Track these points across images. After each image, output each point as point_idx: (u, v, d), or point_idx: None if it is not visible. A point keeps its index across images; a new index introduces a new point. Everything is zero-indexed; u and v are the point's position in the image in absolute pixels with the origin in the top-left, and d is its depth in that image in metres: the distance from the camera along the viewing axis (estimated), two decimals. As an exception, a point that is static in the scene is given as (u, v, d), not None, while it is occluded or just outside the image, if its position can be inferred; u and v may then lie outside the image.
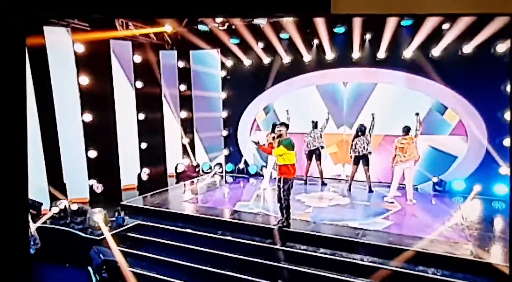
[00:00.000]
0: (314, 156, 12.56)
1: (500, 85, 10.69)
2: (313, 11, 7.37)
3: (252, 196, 11.79)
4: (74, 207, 9.86)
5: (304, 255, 8.06)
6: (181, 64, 14.80)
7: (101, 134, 11.74)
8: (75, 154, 11.22)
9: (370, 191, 11.63)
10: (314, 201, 10.87)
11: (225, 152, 15.44)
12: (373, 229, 8.63)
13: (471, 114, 11.42)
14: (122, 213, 10.03)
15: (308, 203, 10.62)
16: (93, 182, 11.58)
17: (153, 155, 13.75)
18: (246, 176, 14.69)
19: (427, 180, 11.96)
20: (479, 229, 8.71)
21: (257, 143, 9.45)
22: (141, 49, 12.99)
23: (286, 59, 13.49)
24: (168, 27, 12.20)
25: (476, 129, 11.43)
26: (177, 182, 14.13)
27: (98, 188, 11.54)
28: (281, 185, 8.75)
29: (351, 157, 11.87)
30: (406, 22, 11.22)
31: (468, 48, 10.93)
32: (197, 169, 15.22)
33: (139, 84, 13.12)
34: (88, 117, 11.31)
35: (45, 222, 9.38)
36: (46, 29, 10.05)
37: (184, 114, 15.15)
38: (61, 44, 10.55)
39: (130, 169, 12.83)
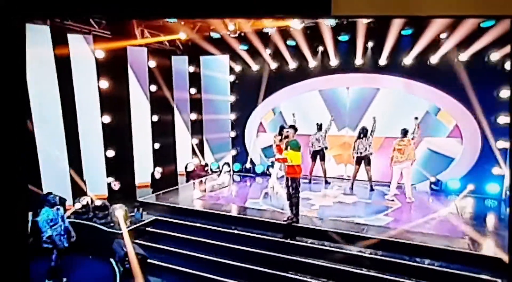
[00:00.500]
0: (318, 156, 12.79)
1: (493, 91, 10.94)
2: (314, 12, 7.57)
3: (261, 194, 12.06)
4: (98, 202, 10.19)
5: (313, 248, 8.29)
6: (192, 69, 15.08)
7: (118, 135, 12.09)
8: (94, 153, 11.55)
9: (372, 189, 11.88)
10: (319, 199, 11.07)
11: (233, 152, 15.72)
12: (376, 224, 8.89)
13: (466, 118, 11.64)
14: (141, 209, 10.37)
15: (313, 201, 10.84)
16: (111, 179, 11.94)
17: (165, 155, 14.07)
18: (253, 175, 14.96)
19: (424, 179, 12.20)
20: (474, 224, 8.91)
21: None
22: (155, 55, 13.29)
23: (292, 65, 13.74)
24: (182, 34, 12.53)
25: (471, 132, 11.67)
26: (187, 181, 14.39)
27: (116, 185, 11.89)
28: (289, 184, 9.00)
29: (353, 157, 12.10)
30: (406, 31, 11.44)
31: (464, 57, 11.19)
32: (205, 168, 15.47)
33: (153, 88, 13.42)
34: (106, 119, 11.66)
35: (69, 217, 9.68)
36: (70, 36, 10.42)
37: (194, 116, 15.44)
38: (83, 51, 10.89)
39: (143, 168, 13.15)
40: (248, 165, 15.34)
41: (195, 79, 15.32)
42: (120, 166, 12.19)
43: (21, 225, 4.79)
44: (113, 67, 11.59)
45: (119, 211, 9.67)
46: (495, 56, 10.72)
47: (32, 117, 9.64)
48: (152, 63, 13.23)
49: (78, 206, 10.00)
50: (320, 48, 13.15)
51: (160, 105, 13.72)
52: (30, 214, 7.64)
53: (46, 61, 9.87)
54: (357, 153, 11.89)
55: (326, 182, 12.95)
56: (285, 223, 9.03)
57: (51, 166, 10.23)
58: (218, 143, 15.89)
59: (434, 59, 11.64)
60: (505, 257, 6.94)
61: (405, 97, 12.49)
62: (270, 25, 11.78)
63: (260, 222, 9.47)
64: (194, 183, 14.06)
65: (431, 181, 12.11)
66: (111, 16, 9.45)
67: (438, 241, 7.86)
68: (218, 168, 15.52)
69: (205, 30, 12.82)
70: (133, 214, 10.17)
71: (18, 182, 4.67)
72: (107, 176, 11.87)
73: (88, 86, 11.19)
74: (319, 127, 12.79)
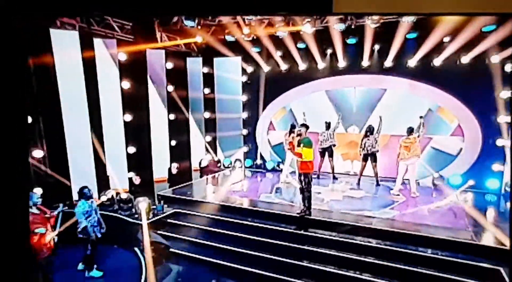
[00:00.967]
0: (326, 153, 13.07)
1: (494, 92, 11.12)
2: (316, 10, 7.72)
3: (273, 188, 12.33)
4: (124, 195, 10.53)
5: (324, 239, 8.54)
6: (206, 69, 15.35)
7: (138, 133, 12.41)
8: (117, 150, 11.87)
9: (378, 184, 12.12)
10: (328, 194, 11.33)
11: (245, 148, 16.06)
12: (383, 217, 9.15)
13: (468, 117, 11.91)
14: (162, 202, 10.71)
15: (323, 195, 11.09)
16: (132, 174, 12.27)
17: (181, 151, 14.37)
18: (263, 171, 15.25)
19: (428, 175, 12.43)
20: (476, 217, 9.10)
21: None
22: (172, 57, 13.59)
23: (302, 66, 14.02)
24: (199, 37, 12.84)
25: (472, 131, 11.93)
26: (201, 176, 14.67)
27: (137, 179, 12.21)
28: (302, 179, 9.28)
29: (360, 154, 12.36)
30: (411, 35, 11.62)
31: (466, 59, 11.40)
32: (218, 164, 15.77)
33: (170, 88, 13.71)
34: (128, 117, 11.98)
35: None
36: (95, 41, 10.76)
37: (207, 115, 15.73)
38: (107, 54, 11.24)
39: (160, 164, 13.47)
40: (259, 161, 15.65)
41: (208, 80, 15.58)
42: (140, 161, 12.50)
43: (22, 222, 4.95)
44: (134, 69, 11.86)
45: (142, 203, 9.99)
46: (495, 58, 10.92)
47: (62, 116, 10.00)
48: (170, 65, 13.51)
49: (103, 198, 10.30)
50: (329, 51, 13.41)
51: (176, 104, 13.97)
52: (61, 205, 7.93)
53: (74, 63, 10.20)
54: (364, 150, 12.14)
55: (334, 178, 13.20)
56: (298, 215, 9.31)
57: (78, 161, 10.58)
58: (230, 140, 16.20)
59: (437, 61, 11.86)
60: (505, 248, 7.26)
61: (410, 98, 12.72)
62: (282, 29, 11.99)
63: (274, 214, 9.73)
64: (207, 178, 14.32)
65: (434, 177, 12.31)
66: (111, 15, 9.72)
67: (442, 232, 8.09)
68: (231, 163, 15.84)
69: (220, 33, 13.07)
70: (154, 206, 10.47)
71: (19, 182, 4.84)
72: (128, 171, 12.16)
73: (112, 87, 11.48)
74: (328, 125, 13.05)
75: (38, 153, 9.83)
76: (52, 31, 9.49)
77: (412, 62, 12.26)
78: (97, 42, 11.11)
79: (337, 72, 13.70)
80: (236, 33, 12.16)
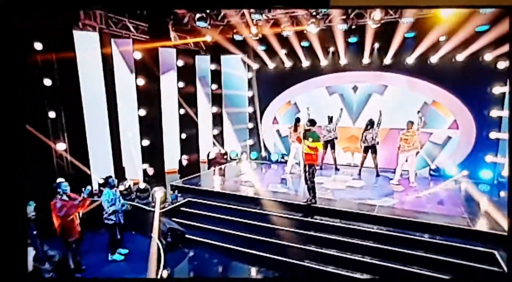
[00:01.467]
0: (329, 145, 13.34)
1: (487, 88, 11.49)
2: (312, 3, 7.79)
3: (279, 179, 12.63)
4: (142, 185, 10.82)
5: (329, 225, 8.82)
6: (213, 66, 15.58)
7: (152, 126, 12.70)
8: (132, 143, 12.16)
9: (378, 175, 12.36)
10: (331, 183, 11.56)
11: (250, 141, 16.35)
12: (384, 205, 9.40)
13: (462, 111, 12.18)
14: (176, 191, 11.00)
15: (326, 185, 11.32)
16: (146, 166, 12.55)
17: (190, 144, 14.67)
18: (268, 162, 15.54)
19: (425, 166, 12.72)
20: (470, 205, 9.44)
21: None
22: (182, 55, 13.86)
23: (306, 63, 14.29)
24: (208, 37, 13.10)
25: (467, 124, 12.19)
26: (208, 168, 14.91)
27: (151, 171, 12.51)
28: (307, 170, 9.53)
29: (361, 146, 12.61)
30: (409, 34, 11.95)
31: (461, 57, 11.67)
32: (225, 156, 15.97)
33: (181, 85, 14.01)
34: (142, 112, 12.25)
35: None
36: (113, 41, 11.02)
37: (214, 109, 15.98)
38: (124, 52, 11.50)
39: (171, 156, 13.77)
40: (264, 154, 15.93)
41: (216, 76, 15.81)
42: (153, 154, 12.79)
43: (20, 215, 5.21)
44: (147, 67, 12.16)
45: (158, 193, 10.26)
46: (488, 56, 11.21)
47: (83, 111, 10.27)
48: (180, 62, 13.78)
49: (121, 188, 10.58)
50: (331, 49, 13.68)
51: (186, 99, 14.27)
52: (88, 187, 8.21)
53: (94, 62, 10.48)
54: (365, 143, 12.38)
55: (336, 169, 13.45)
56: (305, 203, 9.58)
57: (97, 153, 10.88)
58: (237, 133, 16.52)
59: (434, 59, 12.14)
60: (498, 233, 7.56)
61: (408, 93, 12.97)
62: (288, 29, 12.25)
63: (282, 203, 9.97)
64: (215, 169, 14.56)
65: (431, 168, 12.60)
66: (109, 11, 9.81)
67: (440, 219, 8.35)
68: (237, 155, 16.12)
69: (228, 33, 13.33)
70: (168, 195, 10.76)
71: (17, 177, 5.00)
72: (143, 163, 12.45)
73: (128, 83, 11.77)
74: (330, 119, 13.27)
75: (60, 146, 10.12)
76: (75, 33, 9.75)
77: (410, 59, 12.52)
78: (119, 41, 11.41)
79: (339, 69, 13.95)
80: (244, 32, 12.37)
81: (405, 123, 11.29)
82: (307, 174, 9.56)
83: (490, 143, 11.77)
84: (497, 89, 11.32)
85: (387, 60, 12.88)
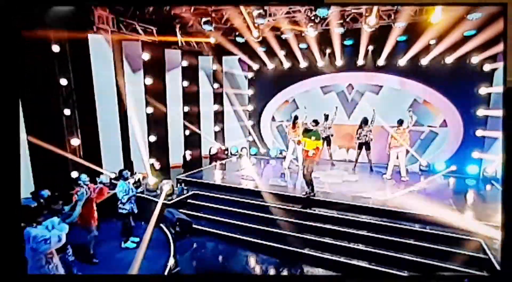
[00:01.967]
0: (325, 142, 13.52)
1: (473, 89, 11.85)
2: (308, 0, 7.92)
3: (278, 173, 12.93)
4: (151, 178, 11.08)
5: (327, 216, 9.10)
6: (215, 67, 15.81)
7: (158, 123, 13.00)
8: (139, 139, 12.31)
9: (371, 170, 12.64)
10: (328, 178, 11.76)
11: (250, 138, 16.62)
12: (378, 197, 9.65)
13: (450, 110, 12.51)
14: (182, 184, 11.29)
15: (323, 179, 11.53)
16: (152, 160, 12.83)
17: (193, 140, 14.97)
18: (267, 158, 15.81)
19: (415, 161, 12.99)
20: (458, 198, 9.78)
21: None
22: (186, 56, 14.13)
23: (303, 64, 14.54)
24: (212, 39, 13.39)
25: (455, 122, 12.52)
26: (210, 162, 15.16)
27: (157, 165, 12.79)
28: (306, 165, 9.80)
29: (356, 143, 12.89)
30: (402, 38, 12.24)
31: (449, 59, 12.00)
32: (226, 152, 16.33)
33: (185, 84, 14.29)
34: (150, 110, 12.53)
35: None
36: (124, 43, 11.28)
37: (216, 107, 16.26)
38: (133, 54, 11.76)
39: (175, 151, 14.09)
40: (263, 149, 16.23)
41: (218, 76, 16.05)
42: (160, 149, 13.09)
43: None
44: (155, 67, 12.47)
45: (166, 186, 10.58)
46: (475, 59, 11.58)
47: (96, 109, 10.54)
48: (185, 63, 14.05)
49: (131, 181, 10.82)
50: (328, 50, 13.93)
51: (190, 98, 14.55)
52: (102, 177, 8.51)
53: (107, 63, 10.75)
54: (359, 139, 12.65)
55: (332, 164, 13.74)
56: (304, 196, 9.86)
57: (108, 148, 11.16)
58: (237, 130, 16.74)
59: (425, 61, 12.43)
60: (484, 223, 7.88)
61: (400, 92, 13.28)
62: (287, 32, 12.55)
63: (283, 195, 10.23)
64: (216, 164, 14.80)
65: (421, 163, 12.89)
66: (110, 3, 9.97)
67: (430, 210, 8.55)
68: (237, 151, 16.41)
69: (230, 34, 13.62)
70: (176, 188, 11.04)
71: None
72: (150, 157, 12.73)
73: (137, 83, 12.05)
74: (326, 117, 13.47)
75: (75, 141, 10.40)
76: (90, 36, 10.02)
77: (402, 61, 12.82)
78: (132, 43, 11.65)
79: (335, 70, 14.22)
80: (246, 34, 12.62)
81: (396, 121, 11.55)
82: (305, 169, 9.79)
83: (477, 140, 12.11)
84: (483, 90, 11.70)
85: (381, 61, 13.16)
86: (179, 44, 13.16)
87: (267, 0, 8.91)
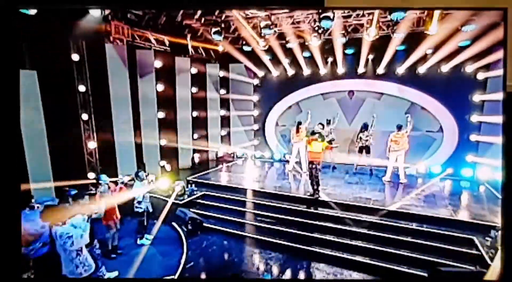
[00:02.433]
0: None
1: (468, 96, 12.23)
2: (308, 4, 8.01)
3: (282, 175, 13.26)
4: (163, 179, 11.37)
5: (331, 215, 9.41)
6: (222, 74, 16.20)
7: (169, 127, 13.37)
8: (150, 142, 12.72)
9: (371, 173, 12.97)
10: (330, 180, 12.05)
11: (255, 142, 16.93)
12: (378, 198, 10.01)
13: (446, 116, 12.86)
14: (193, 185, 11.62)
15: (325, 181, 11.67)
16: (163, 162, 13.18)
17: (201, 144, 15.36)
18: (271, 161, 16.09)
19: (413, 164, 13.07)
20: (453, 199, 10.10)
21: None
22: (195, 63, 14.51)
23: (307, 71, 14.91)
24: (220, 47, 13.80)
25: (450, 128, 12.86)
26: (216, 165, 15.43)
27: (168, 167, 13.14)
28: (312, 166, 10.15)
29: (356, 147, 13.21)
30: (400, 47, 12.57)
31: (445, 68, 12.36)
32: (232, 155, 16.72)
33: (194, 89, 14.68)
34: (161, 114, 12.90)
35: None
36: (137, 52, 11.68)
37: (222, 112, 16.63)
38: (146, 62, 12.15)
39: (184, 154, 14.47)
40: (267, 153, 16.56)
41: (224, 82, 16.47)
42: (170, 152, 13.45)
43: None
44: (166, 74, 12.86)
45: (177, 187, 10.95)
46: (469, 68, 11.96)
47: (112, 114, 10.91)
48: (194, 70, 14.43)
49: (146, 182, 11.14)
50: (330, 59, 14.31)
51: (198, 103, 14.93)
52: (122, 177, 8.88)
53: (122, 71, 11.14)
54: (360, 143, 12.98)
55: (334, 167, 13.97)
56: (308, 197, 10.22)
57: (123, 151, 11.53)
58: (243, 134, 17.07)
59: (422, 69, 12.81)
60: (476, 221, 8.24)
61: (398, 99, 13.62)
62: (292, 41, 12.93)
63: (289, 196, 10.58)
64: (223, 167, 15.05)
65: (418, 166, 13.14)
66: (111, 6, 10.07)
67: (427, 210, 9.01)
68: (243, 154, 16.75)
69: (237, 43, 14.01)
70: (187, 189, 11.38)
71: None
72: (161, 160, 13.09)
73: (149, 89, 12.42)
74: (328, 122, 13.69)
75: (92, 144, 10.77)
76: (107, 46, 10.42)
77: (401, 69, 13.19)
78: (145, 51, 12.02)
79: (336, 77, 14.57)
80: (253, 43, 13.00)
81: (395, 127, 11.87)
82: (313, 169, 10.14)
83: (471, 144, 12.46)
84: (477, 97, 12.08)
85: (380, 69, 13.51)
86: (189, 52, 13.53)
87: (268, 5, 9.07)
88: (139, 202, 8.85)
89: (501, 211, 6.43)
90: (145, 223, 9.15)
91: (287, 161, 14.53)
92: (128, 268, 7.79)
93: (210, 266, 8.14)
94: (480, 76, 11.89)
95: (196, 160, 14.84)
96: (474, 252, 7.46)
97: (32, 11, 7.64)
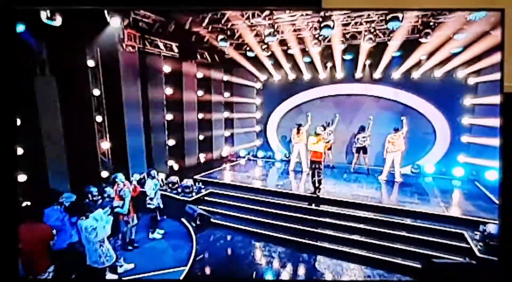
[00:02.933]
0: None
1: (459, 99, 12.61)
2: (304, 4, 8.15)
3: (284, 174, 13.59)
4: (174, 178, 11.72)
5: (331, 212, 9.71)
6: (226, 78, 16.58)
7: (176, 129, 13.72)
8: (159, 142, 13.08)
9: (368, 172, 13.26)
10: (329, 179, 12.32)
11: (258, 142, 17.33)
12: (375, 196, 10.38)
13: (439, 119, 13.20)
14: (200, 183, 11.95)
15: (325, 180, 11.66)
16: (172, 162, 13.52)
17: (206, 144, 15.71)
18: (272, 160, 16.42)
19: (407, 164, 13.37)
20: (445, 196, 10.43)
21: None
22: (201, 68, 14.86)
23: (307, 76, 15.29)
24: (225, 52, 14.20)
25: (443, 129, 13.20)
26: (221, 164, 15.68)
27: (175, 166, 13.48)
28: (314, 166, 10.49)
29: (354, 148, 13.61)
30: (396, 53, 12.94)
31: (438, 73, 12.75)
32: (235, 155, 17.07)
33: (200, 93, 15.02)
34: (169, 116, 13.25)
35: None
36: (148, 58, 12.04)
37: (226, 114, 17.00)
38: (155, 67, 12.49)
39: (190, 154, 14.77)
40: (269, 153, 16.91)
41: (228, 86, 16.85)
42: (177, 152, 13.79)
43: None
44: (174, 79, 13.22)
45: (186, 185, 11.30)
46: (461, 74, 12.38)
47: (124, 115, 11.24)
48: (200, 74, 14.78)
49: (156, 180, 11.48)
50: (329, 64, 14.68)
51: (204, 106, 15.28)
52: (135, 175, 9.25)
53: (134, 75, 11.49)
54: (357, 144, 13.41)
55: (333, 167, 14.31)
56: (310, 194, 10.56)
57: (134, 151, 11.87)
58: (246, 135, 17.50)
59: (416, 74, 13.19)
60: (467, 217, 8.59)
61: (394, 103, 13.96)
62: (293, 47, 13.29)
63: (290, 193, 10.93)
64: (227, 166, 15.37)
65: (413, 166, 13.50)
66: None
67: (420, 207, 9.36)
68: (248, 154, 17.14)
69: (241, 49, 14.38)
70: (194, 187, 11.69)
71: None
72: (169, 159, 13.43)
73: (159, 93, 12.76)
74: (327, 124, 14.03)
75: (105, 145, 11.12)
76: (120, 52, 10.78)
77: (396, 74, 13.56)
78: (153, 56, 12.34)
79: (335, 82, 14.95)
80: (256, 49, 13.37)
81: (392, 129, 12.22)
82: (315, 168, 10.47)
83: (462, 145, 12.85)
84: (468, 101, 12.48)
85: (377, 74, 13.87)
86: (196, 58, 13.89)
87: (264, 5, 9.23)
88: (151, 199, 9.20)
89: (499, 210, 6.69)
90: (157, 219, 9.49)
91: (288, 161, 14.79)
92: (143, 259, 8.14)
93: (218, 259, 8.46)
94: (471, 81, 12.30)
95: (202, 160, 15.13)
96: (464, 245, 7.79)
97: (57, 23, 7.97)
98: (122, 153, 11.48)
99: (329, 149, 14.12)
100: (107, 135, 11.19)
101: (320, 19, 10.15)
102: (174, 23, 11.67)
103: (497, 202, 9.29)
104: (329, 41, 12.77)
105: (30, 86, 9.08)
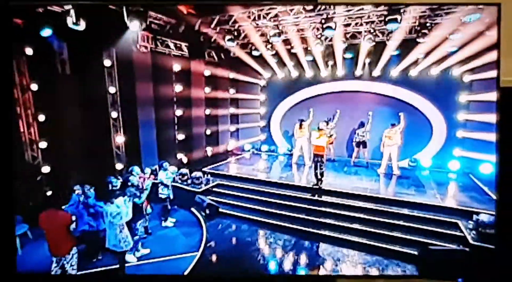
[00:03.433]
0: None
1: (455, 96, 12.79)
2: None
3: (288, 167, 13.81)
4: (184, 170, 11.98)
5: (333, 203, 9.96)
6: (232, 75, 16.75)
7: (185, 124, 13.96)
8: (169, 137, 13.37)
9: (367, 165, 13.52)
10: (330, 172, 12.52)
11: (262, 137, 17.57)
12: (374, 188, 10.60)
13: (436, 114, 13.38)
14: (208, 175, 12.19)
15: (326, 173, 11.69)
16: (181, 155, 13.76)
17: (213, 138, 15.95)
18: (276, 154, 16.64)
19: (404, 158, 13.62)
20: (441, 189, 10.62)
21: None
22: (208, 66, 15.02)
23: (309, 74, 15.48)
24: (232, 51, 14.42)
25: (439, 125, 13.39)
26: (227, 158, 15.96)
27: (185, 159, 13.72)
28: (317, 159, 10.70)
29: (354, 142, 13.84)
30: (395, 53, 13.09)
31: (435, 71, 12.93)
32: (241, 148, 17.34)
33: (208, 90, 15.23)
34: (179, 112, 13.49)
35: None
36: (159, 57, 12.22)
37: (232, 110, 17.21)
38: (166, 66, 12.70)
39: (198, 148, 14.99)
40: (273, 147, 17.13)
41: (234, 83, 17.03)
42: (186, 146, 14.04)
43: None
44: (184, 76, 13.45)
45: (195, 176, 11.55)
46: (457, 71, 12.55)
47: (137, 112, 11.47)
48: (207, 72, 14.99)
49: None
50: (330, 62, 14.85)
51: (211, 102, 15.51)
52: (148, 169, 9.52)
53: (147, 74, 11.74)
54: (357, 139, 13.65)
55: (334, 160, 14.53)
56: (313, 186, 10.78)
57: (147, 145, 12.11)
58: (250, 130, 17.71)
59: (413, 72, 13.37)
60: (460, 207, 8.82)
61: (392, 99, 14.11)
62: (296, 46, 13.48)
63: (295, 186, 11.15)
64: (233, 159, 15.64)
65: (410, 159, 13.66)
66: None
67: (417, 198, 9.58)
68: (253, 147, 17.39)
69: (246, 48, 14.58)
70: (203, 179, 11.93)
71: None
72: (179, 153, 13.69)
73: (169, 90, 13.01)
74: (329, 119, 14.13)
75: (119, 139, 11.37)
76: (134, 52, 11.01)
77: (395, 72, 13.73)
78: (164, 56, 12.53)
79: (336, 79, 15.11)
80: (261, 48, 13.58)
81: (389, 124, 12.44)
82: (318, 163, 10.68)
83: (458, 140, 13.04)
84: (463, 98, 12.67)
85: (377, 72, 14.04)
86: (204, 57, 14.11)
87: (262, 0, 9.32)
88: (166, 186, 9.46)
89: (496, 206, 6.80)
90: (169, 208, 9.75)
91: (291, 155, 15.01)
92: (158, 245, 8.40)
93: (227, 245, 8.72)
94: (466, 78, 12.48)
95: (209, 153, 15.36)
96: (458, 233, 8.03)
97: (81, 27, 8.19)
98: (136, 146, 11.69)
99: (331, 143, 14.32)
100: (122, 130, 11.40)
101: (323, 21, 10.34)
102: (184, 25, 11.87)
103: (490, 193, 9.65)
104: (330, 40, 12.97)
105: (52, 84, 9.34)
